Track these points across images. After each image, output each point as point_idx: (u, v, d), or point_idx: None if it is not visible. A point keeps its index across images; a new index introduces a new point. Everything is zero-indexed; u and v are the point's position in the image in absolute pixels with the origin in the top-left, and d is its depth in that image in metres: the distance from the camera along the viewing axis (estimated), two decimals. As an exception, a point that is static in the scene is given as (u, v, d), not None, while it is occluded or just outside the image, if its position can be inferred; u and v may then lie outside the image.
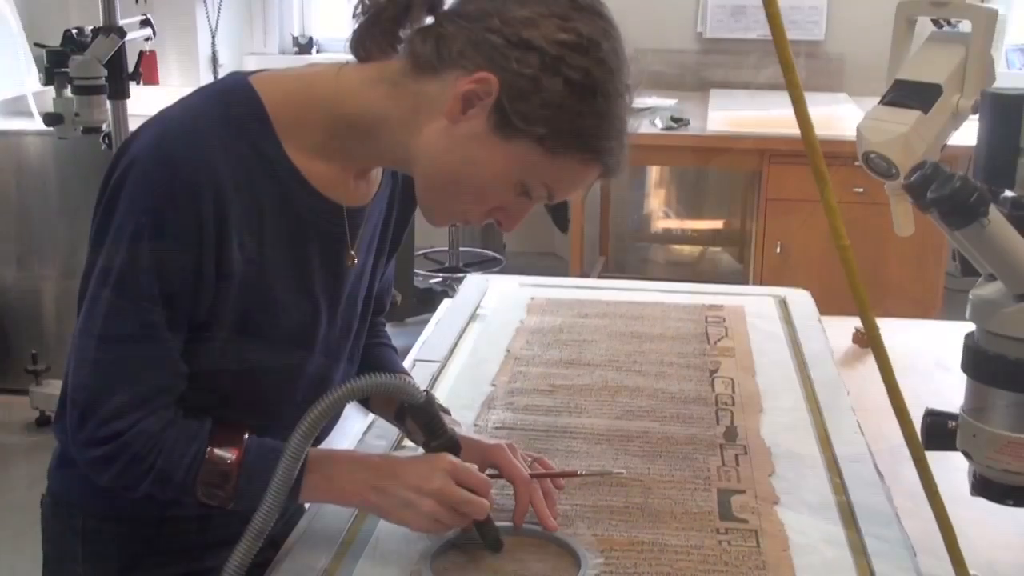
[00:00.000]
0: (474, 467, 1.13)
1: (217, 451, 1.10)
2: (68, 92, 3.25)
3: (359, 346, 1.34)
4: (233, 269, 1.08)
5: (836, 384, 1.64)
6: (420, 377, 1.56)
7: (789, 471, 1.37)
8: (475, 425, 1.49)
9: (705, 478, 1.34)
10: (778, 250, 3.89)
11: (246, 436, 1.12)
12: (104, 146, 3.31)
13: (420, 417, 1.10)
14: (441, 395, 1.45)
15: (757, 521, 1.24)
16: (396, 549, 1.16)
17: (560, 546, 1.18)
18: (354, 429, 1.49)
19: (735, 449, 1.42)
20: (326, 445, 1.24)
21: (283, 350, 1.19)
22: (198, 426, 1.12)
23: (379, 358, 1.42)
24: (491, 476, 1.24)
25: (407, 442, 1.42)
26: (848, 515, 1.27)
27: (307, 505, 1.29)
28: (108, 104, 3.26)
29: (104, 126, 3.28)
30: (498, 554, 1.16)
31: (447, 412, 1.36)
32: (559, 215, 3.95)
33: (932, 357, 1.78)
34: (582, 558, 1.15)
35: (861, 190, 3.61)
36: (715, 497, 1.29)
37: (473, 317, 1.94)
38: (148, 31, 3.48)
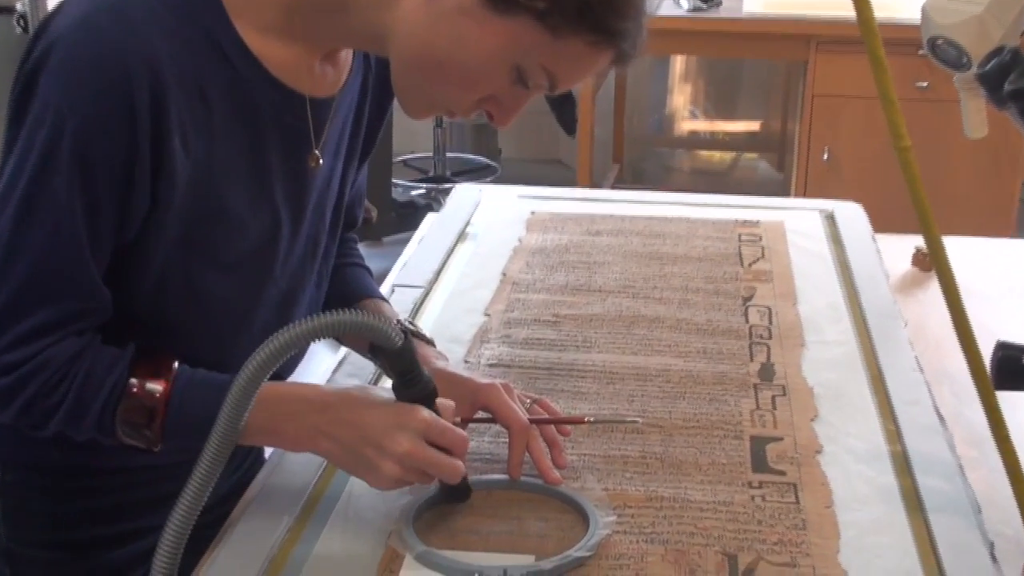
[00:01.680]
0: (449, 425, 1.11)
1: (140, 383, 1.10)
2: (-26, -37, 3.21)
3: (327, 267, 1.34)
4: (175, 171, 1.08)
5: (892, 313, 1.65)
6: (400, 306, 1.57)
7: (834, 415, 1.38)
8: (466, 362, 1.49)
9: (736, 423, 1.35)
10: (825, 156, 3.88)
11: (176, 365, 1.12)
12: (19, 29, 3.28)
13: (395, 364, 1.09)
14: (425, 328, 1.45)
15: (796, 473, 1.25)
16: (372, 506, 1.17)
17: (565, 502, 1.20)
18: (323, 366, 1.50)
19: (772, 390, 1.43)
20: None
21: (238, 271, 1.18)
22: (118, 353, 1.12)
23: (350, 280, 1.42)
24: (484, 421, 1.25)
25: (385, 381, 1.43)
26: (903, 466, 1.28)
27: (267, 453, 1.30)
28: (22, -22, 3.23)
29: (18, 5, 3.25)
30: (488, 512, 1.17)
31: (431, 343, 1.37)
32: (565, 114, 3.93)
33: (1005, 281, 1.79)
34: (591, 516, 1.16)
35: (925, 84, 3.60)
36: (748, 445, 1.31)
37: (462, 235, 1.94)
38: None
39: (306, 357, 1.36)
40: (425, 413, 1.10)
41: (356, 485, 1.21)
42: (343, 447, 1.11)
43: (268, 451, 1.30)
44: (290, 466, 1.24)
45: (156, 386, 1.11)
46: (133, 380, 1.10)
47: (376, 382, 1.44)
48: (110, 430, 1.11)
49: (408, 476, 1.10)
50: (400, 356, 1.07)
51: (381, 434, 1.09)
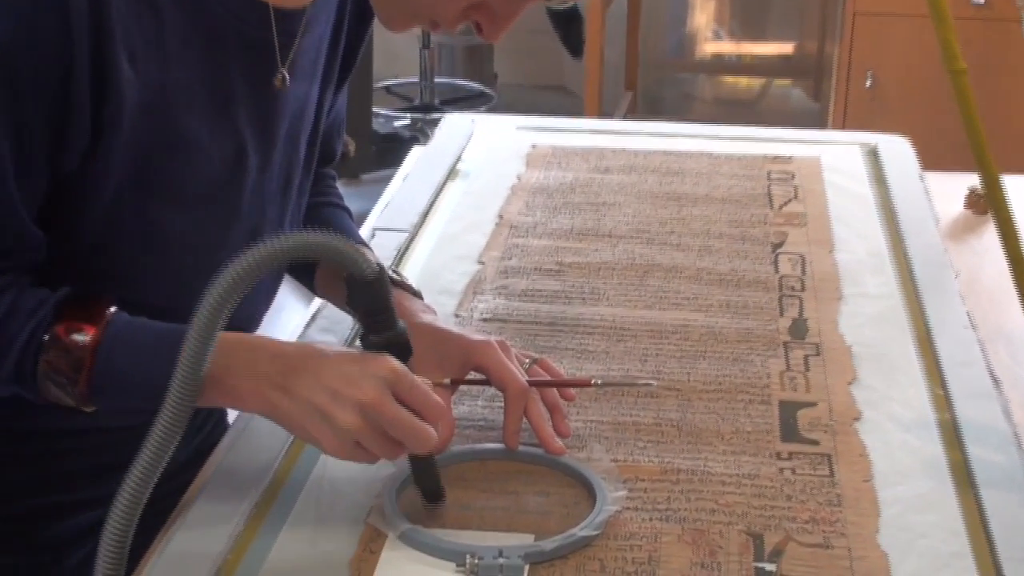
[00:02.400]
0: (423, 386, 1.07)
1: (66, 329, 1.08)
2: None
3: (301, 206, 1.34)
4: (123, 94, 1.07)
5: (941, 262, 1.65)
6: (381, 252, 1.57)
7: (875, 378, 1.38)
8: (456, 316, 1.50)
9: (763, 387, 1.36)
10: (868, 83, 3.87)
11: (111, 311, 1.11)
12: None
13: (363, 299, 1.03)
14: (410, 277, 1.45)
15: (831, 443, 1.26)
16: (350, 477, 1.18)
17: (568, 475, 1.20)
18: (293, 322, 1.51)
19: (804, 349, 1.44)
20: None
21: (200, 207, 1.18)
22: (45, 295, 1.10)
23: (327, 222, 1.41)
24: (477, 383, 1.26)
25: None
26: (952, 435, 1.28)
27: (230, 419, 1.30)
28: None
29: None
30: (481, 485, 1.18)
31: (418, 295, 1.37)
32: (570, 32, 3.90)
33: (1071, 227, 1.79)
34: (598, 491, 1.16)
35: (982, 2, 3.57)
36: (776, 412, 1.31)
37: (453, 172, 1.93)
38: None
39: (275, 310, 1.36)
40: (394, 362, 1.06)
41: (332, 455, 1.21)
42: (295, 400, 1.06)
43: (232, 414, 1.30)
44: (258, 426, 1.23)
45: (84, 335, 1.08)
46: (59, 327, 1.08)
47: (355, 338, 1.44)
48: (32, 383, 1.09)
49: (367, 436, 1.05)
50: (370, 290, 1.02)
51: (339, 377, 1.05)
